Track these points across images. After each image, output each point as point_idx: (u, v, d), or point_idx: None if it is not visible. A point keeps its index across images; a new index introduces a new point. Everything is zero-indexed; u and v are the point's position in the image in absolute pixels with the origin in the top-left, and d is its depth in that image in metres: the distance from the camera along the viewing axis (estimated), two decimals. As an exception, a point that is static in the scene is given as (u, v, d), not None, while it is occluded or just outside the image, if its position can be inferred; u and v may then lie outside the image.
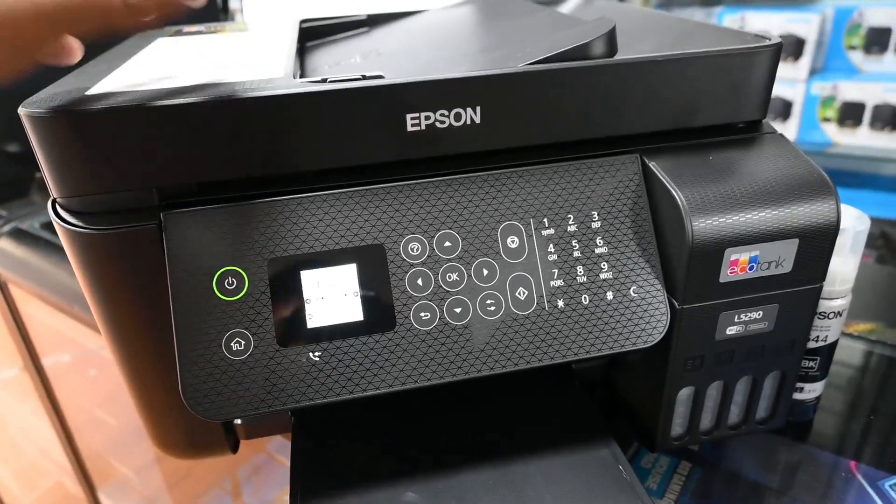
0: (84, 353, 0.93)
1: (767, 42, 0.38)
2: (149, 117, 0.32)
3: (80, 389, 1.02)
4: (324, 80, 0.35)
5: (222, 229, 0.34)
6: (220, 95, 0.32)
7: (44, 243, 0.79)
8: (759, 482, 0.48)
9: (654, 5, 1.68)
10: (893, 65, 1.34)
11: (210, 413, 0.33)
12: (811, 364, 0.44)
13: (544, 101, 0.36)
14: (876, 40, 1.38)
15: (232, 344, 0.34)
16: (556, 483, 0.37)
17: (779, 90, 1.48)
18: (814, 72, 1.44)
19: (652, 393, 0.42)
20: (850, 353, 0.56)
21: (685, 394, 0.41)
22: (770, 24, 1.44)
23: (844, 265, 0.41)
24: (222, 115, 0.32)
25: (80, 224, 0.33)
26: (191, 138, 0.33)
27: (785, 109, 1.47)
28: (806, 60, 1.42)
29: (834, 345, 0.44)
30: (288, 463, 0.68)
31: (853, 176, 1.49)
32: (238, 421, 0.42)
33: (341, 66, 0.47)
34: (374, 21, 0.60)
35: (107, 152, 0.32)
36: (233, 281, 0.34)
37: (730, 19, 1.50)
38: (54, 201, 0.35)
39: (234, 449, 0.44)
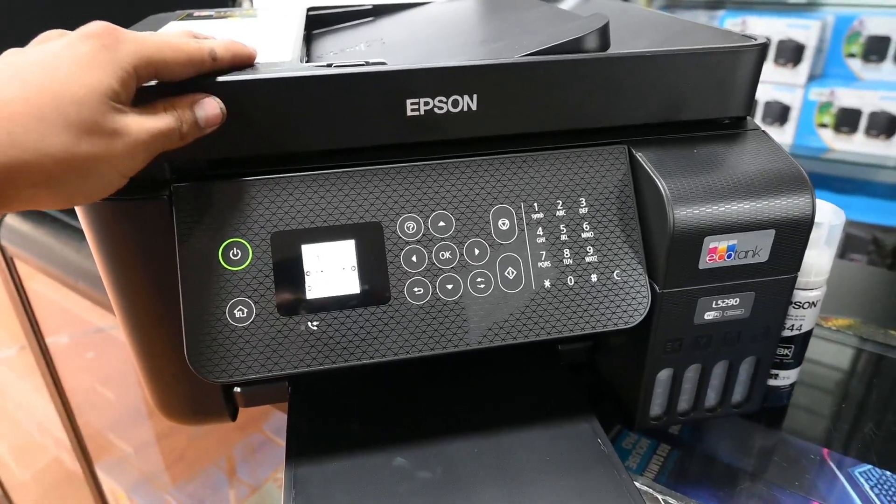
0: (88, 330, 0.95)
1: (753, 42, 0.40)
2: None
3: (82, 366, 1.04)
4: (329, 65, 0.37)
5: (229, 203, 0.36)
6: (230, 77, 0.34)
7: (50, 219, 0.81)
8: (735, 465, 0.50)
9: (657, 8, 1.70)
10: (891, 73, 1.36)
11: (213, 376, 0.35)
12: (786, 352, 0.46)
13: (538, 91, 0.38)
14: (875, 49, 1.40)
15: (235, 312, 0.36)
16: (538, 453, 0.39)
17: (777, 94, 1.50)
18: (812, 77, 1.46)
19: (632, 374, 0.44)
20: (827, 347, 0.59)
21: (664, 375, 0.43)
22: (771, 28, 1.46)
23: (820, 258, 0.43)
24: (232, 95, 0.34)
25: (95, 194, 0.35)
26: (202, 116, 0.35)
27: (782, 114, 1.49)
28: (805, 66, 1.44)
29: (808, 334, 0.46)
30: (280, 441, 0.70)
31: (848, 182, 1.52)
32: (237, 389, 0.44)
33: (346, 52, 0.49)
34: (380, 11, 0.62)
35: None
36: (237, 252, 0.36)
37: (731, 23, 1.52)
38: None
39: (234, 416, 0.46)
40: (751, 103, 0.42)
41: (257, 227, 0.36)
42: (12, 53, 0.30)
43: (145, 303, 0.38)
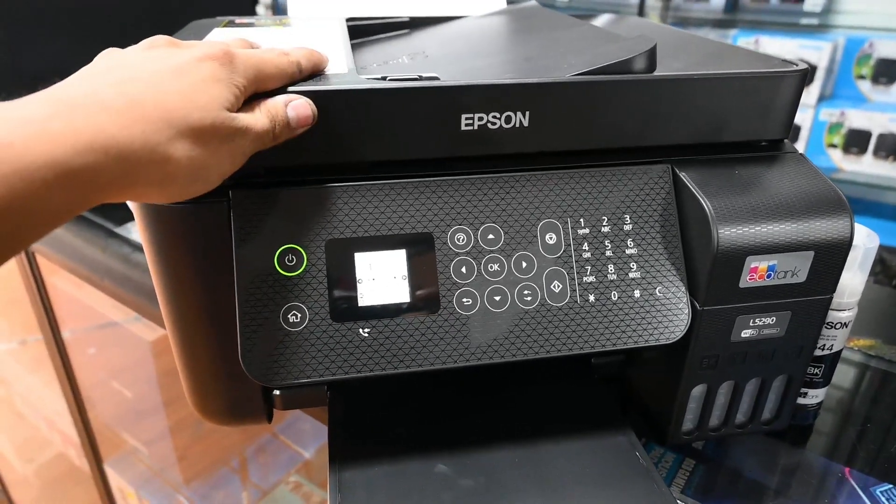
0: (103, 323, 0.95)
1: (794, 67, 0.41)
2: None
3: (96, 360, 1.04)
4: (384, 78, 0.38)
5: (285, 210, 0.37)
6: (298, 87, 0.35)
7: (76, 217, 0.82)
8: (758, 481, 0.51)
9: (670, 23, 1.72)
10: (900, 96, 1.38)
11: (266, 378, 0.36)
12: (816, 371, 0.47)
13: (588, 110, 0.39)
14: (884, 71, 1.42)
15: (289, 316, 0.36)
16: (577, 464, 0.40)
17: (788, 114, 1.51)
18: (822, 98, 1.48)
19: (666, 389, 0.45)
20: (849, 366, 0.60)
21: (698, 391, 0.44)
22: (783, 49, 1.48)
23: (853, 279, 0.44)
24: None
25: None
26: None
27: (793, 134, 1.51)
28: (816, 86, 1.46)
29: (838, 354, 0.47)
30: (291, 444, 0.71)
31: (855, 202, 1.53)
32: (277, 392, 0.45)
33: (390, 65, 0.49)
34: (416, 24, 0.63)
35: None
36: (292, 258, 0.37)
37: (744, 42, 1.54)
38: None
39: (269, 418, 0.47)
40: (790, 126, 0.43)
41: (312, 234, 0.37)
42: (121, 55, 0.32)
43: (197, 305, 0.39)
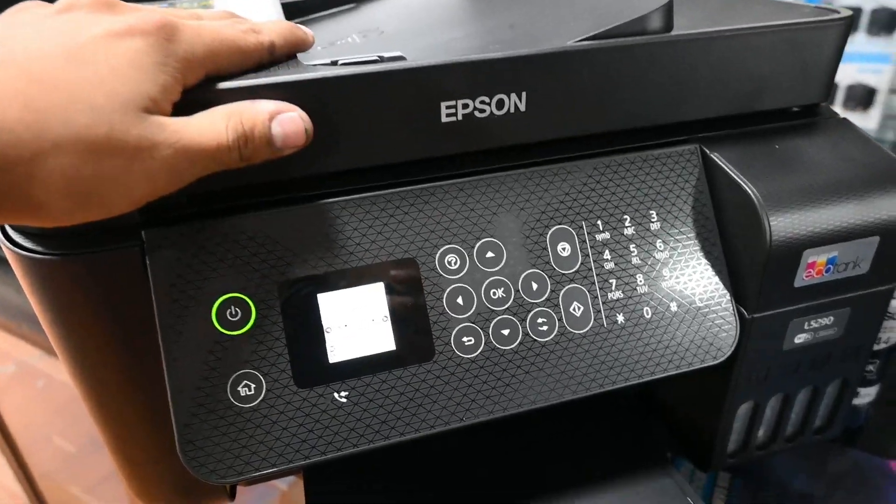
0: (31, 371, 0.84)
1: (838, 15, 0.33)
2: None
3: (28, 408, 0.92)
4: (333, 63, 0.29)
5: (220, 248, 0.28)
6: (206, 84, 0.26)
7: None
8: (805, 491, 0.45)
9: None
10: (864, 45, 1.34)
11: (216, 475, 0.27)
12: (870, 367, 0.41)
13: (597, 84, 0.31)
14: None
15: (239, 388, 0.28)
16: (620, 524, 0.32)
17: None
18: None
19: (707, 408, 0.37)
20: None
21: (744, 409, 0.37)
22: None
23: (913, 260, 0.37)
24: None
25: (39, 248, 0.26)
26: (178, 137, 0.26)
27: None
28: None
29: (895, 347, 0.41)
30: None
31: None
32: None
33: (339, 46, 0.40)
34: (362, -3, 0.53)
35: (71, 157, 0.25)
36: (236, 311, 0.28)
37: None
38: (3, 219, 0.27)
39: (232, 495, 0.38)
40: (830, 88, 0.36)
41: (258, 276, 0.28)
42: (18, 21, 0.23)
43: (117, 382, 0.30)
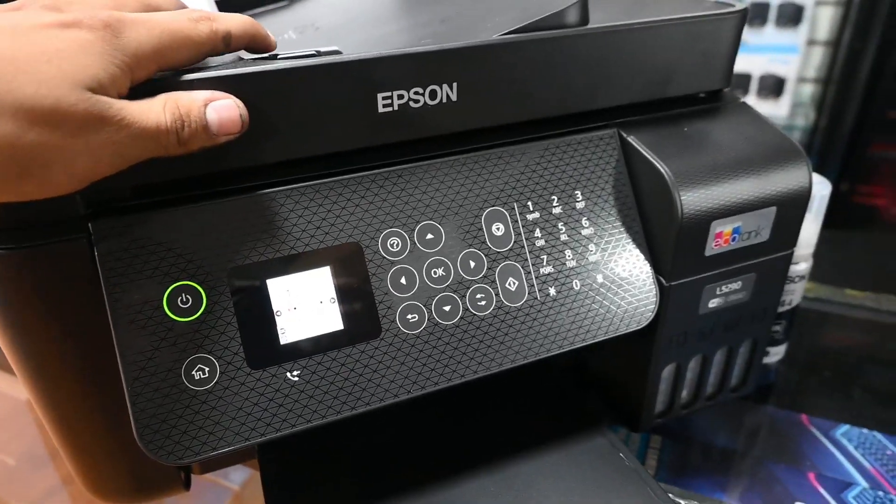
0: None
1: (734, 7, 0.37)
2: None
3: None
4: (273, 57, 0.30)
5: (168, 238, 0.29)
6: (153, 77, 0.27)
7: None
8: (726, 447, 0.49)
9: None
10: (774, 36, 1.43)
11: (174, 457, 0.28)
12: (777, 328, 0.45)
13: (522, 75, 0.33)
14: (757, 13, 1.47)
15: (193, 372, 0.29)
16: (559, 480, 0.35)
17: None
18: (703, 44, 1.51)
19: (633, 372, 0.41)
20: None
21: (667, 371, 0.40)
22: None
23: (808, 229, 0.42)
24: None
25: (-17, 244, 0.27)
26: (122, 131, 0.27)
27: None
28: (695, 34, 1.49)
29: (797, 308, 0.45)
30: (217, 479, 0.62)
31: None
32: (191, 454, 0.37)
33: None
34: (295, -7, 0.54)
35: (13, 153, 0.26)
36: (187, 298, 0.29)
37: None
38: (-58, 217, 0.28)
39: (187, 485, 0.39)
40: (731, 74, 0.39)
41: (208, 264, 0.29)
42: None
43: (67, 375, 0.30)
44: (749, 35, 1.48)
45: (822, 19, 1.43)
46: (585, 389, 0.47)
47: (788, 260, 0.39)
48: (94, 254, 0.28)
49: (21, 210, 0.27)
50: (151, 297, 0.28)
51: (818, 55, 1.45)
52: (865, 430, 0.50)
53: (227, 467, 0.39)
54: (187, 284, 0.29)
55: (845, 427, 0.51)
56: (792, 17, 1.42)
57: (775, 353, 0.47)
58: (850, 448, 0.49)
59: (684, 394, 0.43)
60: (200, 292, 0.29)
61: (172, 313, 0.29)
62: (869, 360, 0.55)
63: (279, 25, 0.46)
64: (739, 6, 0.37)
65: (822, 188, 0.41)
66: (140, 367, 0.28)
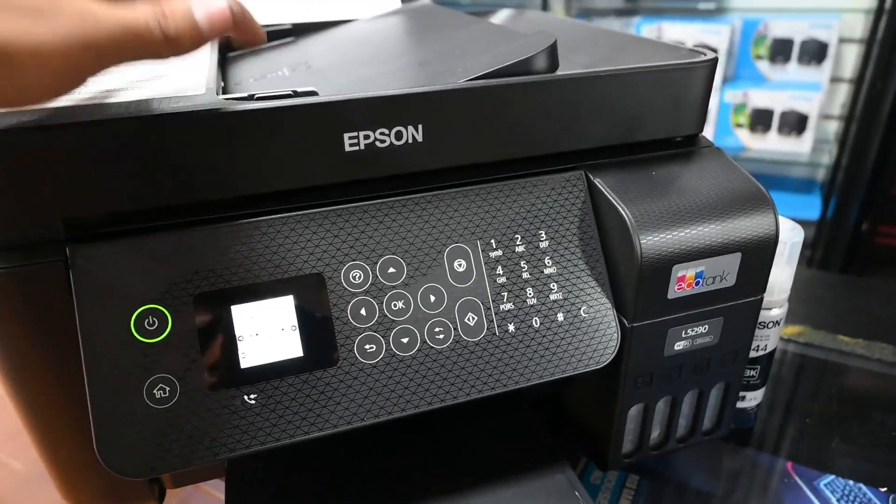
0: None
1: (704, 57, 0.38)
2: (49, 140, 0.28)
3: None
4: (251, 97, 0.32)
5: (139, 263, 0.31)
6: (131, 114, 0.29)
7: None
8: (705, 490, 0.49)
9: (575, 15, 1.72)
10: (797, 73, 1.43)
11: (132, 471, 0.30)
12: (752, 373, 0.45)
13: (488, 118, 0.34)
14: (780, 50, 1.47)
15: (155, 391, 0.30)
16: (512, 515, 0.36)
17: (695, 98, 1.54)
18: (726, 80, 1.51)
19: (601, 411, 0.41)
20: (781, 356, 0.58)
21: (635, 411, 0.40)
22: (685, 34, 1.50)
23: (781, 275, 0.42)
24: (135, 136, 0.29)
25: (-31, 263, 0.29)
26: (100, 162, 0.29)
27: (701, 116, 1.54)
28: (719, 69, 1.49)
29: (773, 353, 0.45)
30: (215, 492, 0.63)
31: (764, 179, 1.58)
32: (164, 469, 0.38)
33: (268, 79, 0.44)
34: (301, 31, 0.57)
35: (1, 180, 0.28)
36: (154, 321, 0.31)
37: (647, 30, 1.55)
38: (-65, 237, 0.30)
39: (161, 498, 0.40)
40: (704, 120, 0.40)
41: (176, 289, 0.31)
42: None
43: (43, 387, 0.32)
44: (772, 72, 1.48)
45: (846, 57, 1.43)
46: (560, 426, 0.47)
47: (758, 305, 0.39)
48: (70, 276, 0.30)
49: (6, 233, 0.29)
50: (120, 318, 0.30)
51: (842, 92, 1.44)
52: (851, 482, 0.49)
53: (203, 481, 0.40)
54: (154, 307, 0.31)
55: (830, 477, 0.50)
56: (815, 54, 1.41)
57: (752, 398, 0.47)
58: (834, 500, 0.48)
59: (654, 434, 0.43)
60: (167, 315, 0.31)
61: (139, 334, 0.30)
62: (859, 409, 0.54)
63: (278, 61, 0.49)
64: (709, 56, 0.38)
65: (794, 234, 0.41)
66: (104, 384, 0.30)
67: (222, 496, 0.72)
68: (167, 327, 0.31)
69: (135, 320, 0.30)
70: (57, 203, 0.29)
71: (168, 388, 0.30)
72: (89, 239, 0.30)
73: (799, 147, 1.45)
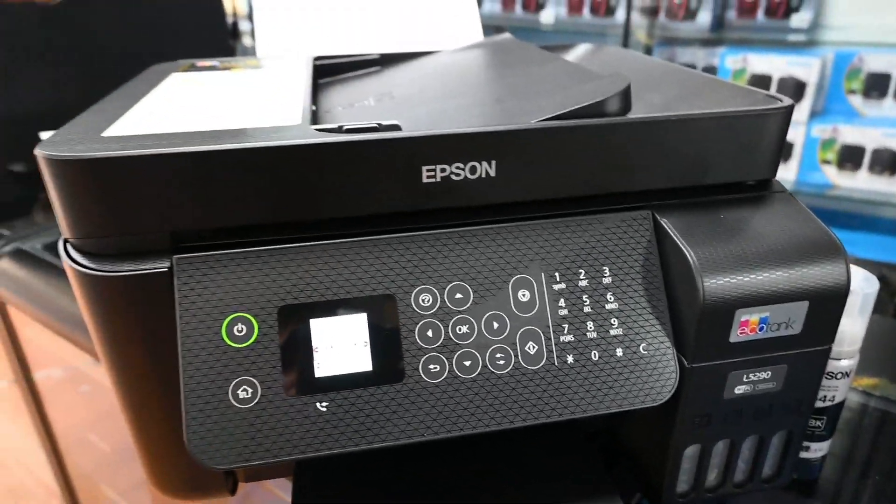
0: (78, 375, 0.92)
1: (779, 104, 0.38)
2: (164, 164, 0.32)
3: (72, 410, 1.00)
4: (339, 129, 0.36)
5: (234, 275, 0.34)
6: (235, 145, 0.32)
7: (46, 265, 0.79)
8: (763, 539, 0.48)
9: (657, 43, 1.71)
10: (892, 110, 1.36)
11: (214, 461, 0.33)
12: (818, 423, 0.44)
13: (558, 157, 0.36)
14: (875, 85, 1.40)
15: (239, 392, 0.33)
16: (560, 542, 0.37)
17: (779, 131, 1.50)
18: (814, 114, 1.46)
19: (657, 448, 0.41)
20: (854, 409, 0.56)
21: (691, 451, 0.41)
22: (771, 66, 1.46)
23: (853, 326, 0.41)
24: (238, 163, 0.33)
25: (92, 266, 0.33)
26: (205, 185, 0.33)
27: (786, 151, 1.48)
28: (806, 103, 1.44)
29: (841, 405, 0.44)
30: (278, 492, 0.67)
31: (852, 218, 1.51)
32: (238, 464, 0.41)
33: (355, 108, 0.47)
34: (387, 61, 0.61)
35: (121, 197, 0.32)
36: (242, 328, 0.34)
37: (732, 60, 1.52)
38: (66, 241, 0.35)
39: (233, 491, 0.43)
40: (776, 165, 0.40)
41: (263, 300, 0.34)
42: None
43: (143, 380, 0.36)
44: (865, 107, 1.41)
45: (948, 96, 1.34)
46: (616, 458, 0.47)
47: (825, 355, 0.39)
48: (174, 282, 0.34)
49: (122, 242, 0.33)
50: (213, 322, 0.34)
51: (942, 134, 1.36)
52: (924, 546, 0.47)
53: (271, 479, 0.43)
54: (244, 316, 0.34)
55: (901, 539, 0.47)
56: (915, 91, 1.34)
57: (817, 449, 0.45)
58: (903, 563, 0.46)
59: (711, 477, 0.43)
60: (254, 324, 0.34)
61: (229, 339, 0.34)
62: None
63: (364, 90, 0.52)
64: (785, 103, 0.38)
65: (867, 286, 0.40)
66: (196, 382, 0.33)
67: (282, 494, 0.76)
68: (253, 334, 0.34)
69: (226, 326, 0.34)
70: (165, 219, 0.33)
71: (251, 390, 0.33)
72: (191, 251, 0.34)
73: (891, 187, 1.37)
